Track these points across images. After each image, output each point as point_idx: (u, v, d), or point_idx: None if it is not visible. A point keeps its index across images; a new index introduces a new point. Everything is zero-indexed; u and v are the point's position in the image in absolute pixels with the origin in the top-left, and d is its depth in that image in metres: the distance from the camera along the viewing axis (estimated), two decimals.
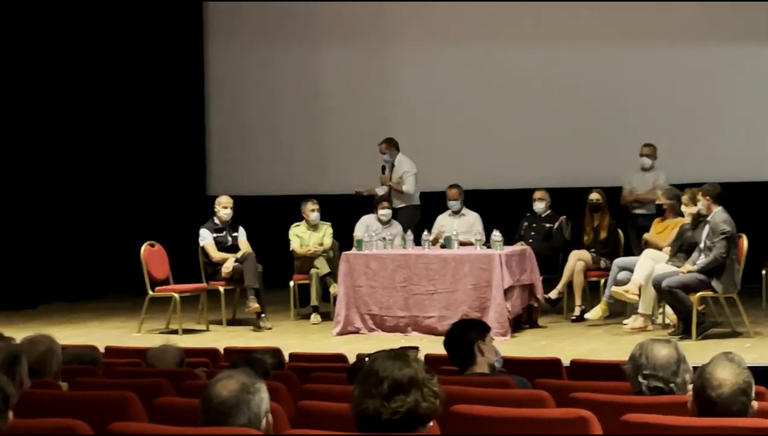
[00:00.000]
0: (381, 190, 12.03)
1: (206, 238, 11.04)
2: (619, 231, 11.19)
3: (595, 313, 10.23)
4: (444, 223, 11.45)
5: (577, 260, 10.78)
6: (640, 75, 13.24)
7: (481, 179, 13.05)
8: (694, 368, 3.95)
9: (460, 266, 10.04)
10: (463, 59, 13.74)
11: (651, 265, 9.80)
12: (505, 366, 5.69)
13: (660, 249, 10.19)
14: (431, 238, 10.75)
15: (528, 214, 11.54)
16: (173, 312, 10.67)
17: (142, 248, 10.83)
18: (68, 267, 13.57)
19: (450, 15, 13.73)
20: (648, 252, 10.10)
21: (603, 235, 11.04)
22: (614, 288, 9.96)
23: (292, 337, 10.08)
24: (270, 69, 14.46)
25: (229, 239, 11.10)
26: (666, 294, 9.40)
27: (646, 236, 10.58)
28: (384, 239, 10.78)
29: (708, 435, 3.55)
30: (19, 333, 5.56)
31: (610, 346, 9.16)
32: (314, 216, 11.47)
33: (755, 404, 3.68)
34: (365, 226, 11.31)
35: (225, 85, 14.71)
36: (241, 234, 11.17)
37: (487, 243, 10.40)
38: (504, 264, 9.89)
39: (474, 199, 11.84)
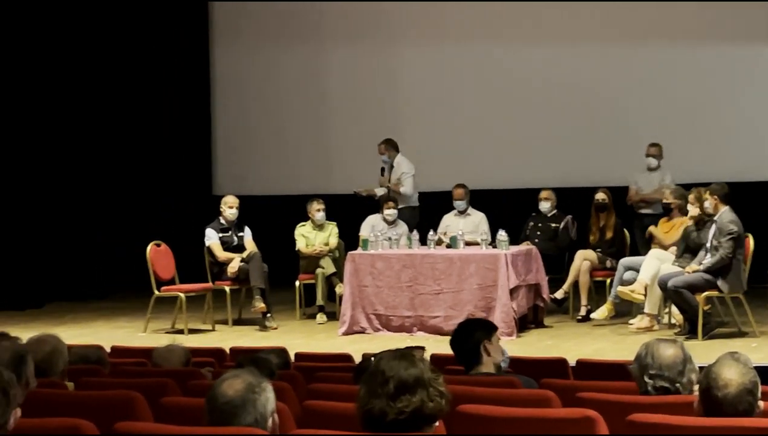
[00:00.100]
0: (380, 191, 12.05)
1: (212, 238, 11.05)
2: (625, 231, 11.19)
3: (601, 313, 10.22)
4: (450, 223, 11.45)
5: (583, 259, 10.78)
6: (642, 75, 13.23)
7: (486, 179, 13.04)
8: (701, 368, 3.94)
9: (466, 266, 10.03)
10: (469, 60, 13.73)
11: (657, 265, 9.80)
12: (511, 366, 5.69)
13: (665, 247, 10.20)
14: (435, 238, 10.75)
15: (534, 213, 11.53)
16: (179, 312, 10.68)
17: (148, 248, 10.83)
18: (74, 267, 13.59)
19: (454, 16, 13.72)
20: (654, 252, 10.10)
21: (609, 235, 11.03)
22: (620, 288, 9.95)
23: (298, 337, 10.08)
24: (276, 69, 14.46)
25: (235, 238, 11.10)
26: (672, 294, 9.39)
27: (651, 228, 10.60)
28: (389, 238, 10.78)
29: (714, 435, 3.54)
30: (25, 333, 5.57)
31: (616, 346, 9.15)
32: (320, 216, 11.47)
33: (761, 404, 3.67)
34: (371, 226, 11.31)
35: (231, 85, 14.71)
36: (247, 234, 11.18)
37: (493, 243, 10.39)
38: (510, 264, 9.88)
39: (479, 199, 11.83)
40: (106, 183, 14.24)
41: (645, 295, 9.79)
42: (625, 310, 10.39)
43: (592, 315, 10.36)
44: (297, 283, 11.32)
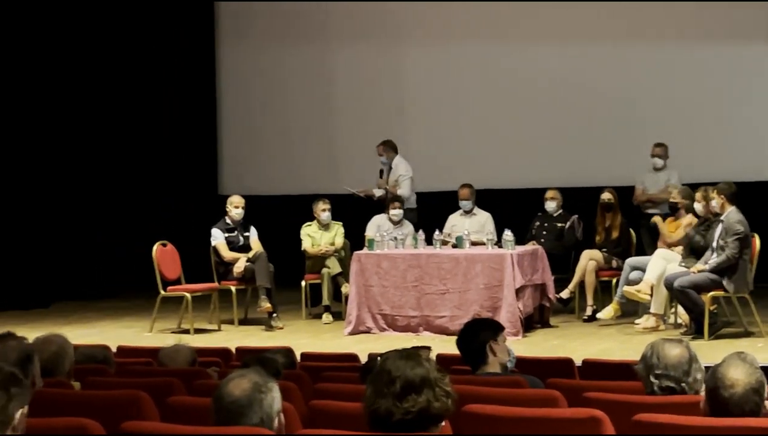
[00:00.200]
0: (378, 193, 12.05)
1: (218, 237, 11.05)
2: (631, 231, 11.18)
3: (607, 313, 10.21)
4: (455, 222, 11.44)
5: (589, 259, 10.77)
6: (648, 75, 13.21)
7: (492, 179, 13.04)
8: (707, 367, 3.94)
9: (472, 266, 10.03)
10: (474, 59, 13.73)
11: (663, 265, 9.80)
12: (517, 366, 5.68)
13: (667, 242, 10.20)
14: (441, 238, 10.75)
15: (539, 213, 11.53)
16: (185, 312, 10.69)
17: (154, 248, 10.84)
18: (80, 266, 13.61)
19: (460, 16, 13.73)
20: (660, 252, 10.09)
21: (615, 234, 11.03)
22: (626, 288, 9.94)
23: (304, 336, 10.09)
24: (282, 69, 14.47)
25: (241, 238, 11.11)
26: (678, 294, 9.38)
27: (656, 218, 10.59)
28: (395, 238, 10.78)
29: (720, 435, 3.54)
30: (31, 332, 5.56)
31: (622, 346, 9.15)
32: (325, 216, 11.47)
33: None
34: (377, 225, 11.31)
35: (236, 85, 14.73)
36: (253, 234, 11.19)
37: (499, 243, 10.39)
38: (516, 264, 9.88)
39: (484, 199, 11.82)
40: (112, 183, 14.27)
41: (651, 295, 9.79)
42: (631, 310, 10.38)
43: (598, 315, 10.36)
44: (303, 283, 11.32)
